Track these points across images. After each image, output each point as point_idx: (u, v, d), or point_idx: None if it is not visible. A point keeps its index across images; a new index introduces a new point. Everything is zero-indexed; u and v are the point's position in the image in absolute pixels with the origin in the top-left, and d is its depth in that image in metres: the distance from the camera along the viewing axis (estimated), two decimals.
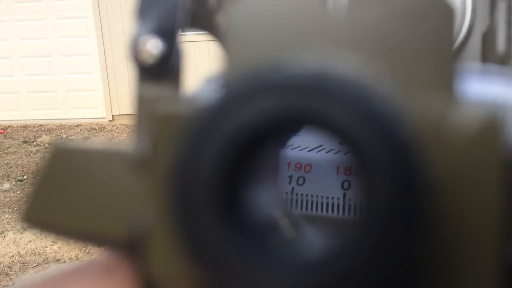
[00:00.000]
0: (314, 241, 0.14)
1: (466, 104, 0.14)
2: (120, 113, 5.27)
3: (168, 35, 0.20)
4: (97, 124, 5.40)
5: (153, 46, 0.20)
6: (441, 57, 0.15)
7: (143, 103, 0.20)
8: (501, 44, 0.26)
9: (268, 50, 0.17)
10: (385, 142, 0.12)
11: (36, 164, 4.34)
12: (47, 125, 5.44)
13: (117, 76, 5.12)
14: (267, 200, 0.15)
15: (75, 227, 0.20)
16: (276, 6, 0.17)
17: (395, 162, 0.12)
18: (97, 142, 0.20)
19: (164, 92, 0.20)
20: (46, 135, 5.13)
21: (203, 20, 0.22)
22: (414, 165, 0.12)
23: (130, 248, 0.19)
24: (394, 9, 0.15)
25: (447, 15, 0.15)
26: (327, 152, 0.21)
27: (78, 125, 5.41)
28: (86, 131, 5.23)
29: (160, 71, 0.20)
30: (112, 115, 5.33)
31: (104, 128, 5.31)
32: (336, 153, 0.21)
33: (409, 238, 0.12)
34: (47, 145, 4.88)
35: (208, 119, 0.14)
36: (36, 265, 2.73)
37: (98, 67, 5.34)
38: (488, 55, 0.29)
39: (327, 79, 0.13)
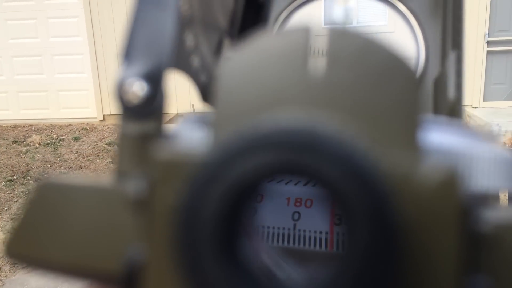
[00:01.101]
0: (301, 279, 0.15)
1: (428, 158, 0.16)
2: (112, 113, 5.25)
3: (154, 79, 0.21)
4: (88, 124, 5.37)
5: (139, 88, 0.21)
6: (407, 115, 0.17)
7: (126, 140, 0.21)
8: (451, 91, 0.29)
9: (255, 106, 0.18)
10: (367, 194, 0.14)
11: (26, 164, 4.32)
12: (37, 125, 5.41)
13: (108, 76, 5.10)
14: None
15: (63, 261, 0.20)
16: (261, 65, 0.19)
17: (375, 210, 0.14)
18: (81, 177, 0.21)
19: (148, 130, 0.21)
20: (36, 135, 5.09)
21: (179, 61, 0.23)
22: (390, 213, 0.14)
23: (123, 282, 0.19)
24: (367, 73, 0.17)
25: (411, 79, 0.17)
26: (278, 182, 0.22)
27: (68, 125, 5.38)
28: (77, 131, 5.20)
29: (145, 111, 0.21)
30: (103, 115, 5.32)
31: (95, 128, 5.28)
32: (286, 183, 0.22)
33: (385, 276, 0.14)
34: (37, 145, 4.85)
35: (213, 169, 0.15)
36: (26, 266, 2.70)
37: (89, 66, 5.31)
38: (439, 100, 0.32)
39: (316, 138, 0.15)
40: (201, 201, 0.15)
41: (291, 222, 0.21)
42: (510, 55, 5.13)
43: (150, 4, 0.22)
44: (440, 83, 0.33)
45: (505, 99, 5.20)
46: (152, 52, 0.21)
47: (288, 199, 0.21)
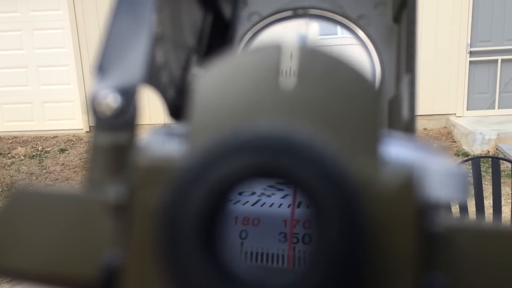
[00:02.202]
0: (277, 276, 0.17)
1: (389, 166, 0.18)
2: None
3: (127, 91, 0.22)
4: (74, 135, 5.33)
5: (113, 100, 0.22)
6: (369, 127, 0.19)
7: (99, 151, 0.22)
8: (405, 111, 0.30)
9: (231, 116, 0.20)
10: (338, 195, 0.16)
11: (11, 177, 4.26)
12: (22, 136, 5.35)
13: None
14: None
15: (40, 269, 0.21)
16: (236, 79, 0.20)
17: (345, 210, 0.16)
18: (54, 186, 0.21)
19: (120, 141, 0.22)
20: (21, 147, 5.04)
21: (149, 76, 0.24)
22: (357, 210, 0.16)
23: (101, 287, 0.19)
24: (334, 88, 0.19)
25: (373, 95, 0.19)
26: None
27: (54, 137, 5.34)
28: (62, 143, 5.16)
29: (118, 122, 0.22)
30: (90, 126, 5.28)
31: (81, 139, 5.25)
32: (235, 203, 0.23)
33: (354, 268, 0.15)
34: (22, 157, 4.80)
35: (195, 172, 0.16)
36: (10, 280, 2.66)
37: (75, 78, 5.29)
38: (394, 119, 0.34)
39: (291, 142, 0.16)
40: (183, 202, 0.16)
41: (238, 240, 0.22)
42: (492, 65, 5.22)
43: (125, 19, 0.23)
44: (394, 104, 0.35)
45: (487, 108, 5.28)
46: (125, 66, 0.22)
47: (236, 218, 0.23)
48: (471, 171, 1.83)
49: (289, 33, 0.44)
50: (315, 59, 0.20)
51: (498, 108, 5.26)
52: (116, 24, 0.23)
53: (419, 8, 0.34)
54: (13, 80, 5.38)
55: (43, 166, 4.60)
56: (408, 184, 0.17)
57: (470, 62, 5.24)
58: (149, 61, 0.23)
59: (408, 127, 0.30)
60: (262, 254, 0.22)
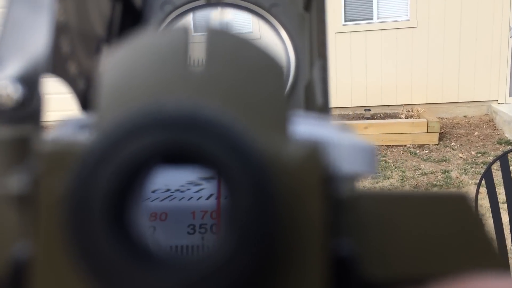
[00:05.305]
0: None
1: (295, 140, 0.19)
2: None
3: (29, 81, 0.21)
4: None
5: (13, 91, 0.21)
6: (277, 105, 0.19)
7: (1, 144, 0.21)
8: (318, 97, 0.31)
9: (138, 97, 0.19)
10: (247, 167, 0.16)
11: None
12: None
13: None
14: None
15: None
16: (142, 60, 0.20)
17: (255, 180, 0.16)
18: None
19: (24, 134, 0.21)
20: None
21: (56, 67, 0.23)
22: (267, 180, 0.16)
23: (10, 283, 0.19)
24: (241, 66, 0.20)
25: (278, 72, 0.20)
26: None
27: None
28: None
29: (20, 114, 0.21)
30: None
31: None
32: (144, 201, 0.22)
33: (266, 239, 0.16)
34: None
35: (101, 152, 0.16)
36: None
37: None
38: (309, 104, 0.35)
39: (199, 118, 0.16)
40: (90, 184, 0.16)
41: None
42: None
43: (22, 6, 0.22)
44: (309, 89, 0.37)
45: None
46: (26, 54, 0.21)
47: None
48: None
49: (201, 19, 0.45)
50: (222, 40, 0.20)
51: None
52: (13, 12, 0.22)
53: None
54: None
55: None
56: (313, 155, 0.18)
57: None
58: (53, 51, 0.22)
59: (322, 111, 0.31)
60: (171, 247, 0.22)
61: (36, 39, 0.22)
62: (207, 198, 0.24)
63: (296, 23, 0.43)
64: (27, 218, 0.19)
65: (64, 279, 0.18)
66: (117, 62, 0.20)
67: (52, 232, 0.18)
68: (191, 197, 0.24)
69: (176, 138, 0.16)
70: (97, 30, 0.32)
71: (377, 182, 3.74)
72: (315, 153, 0.18)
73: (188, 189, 0.24)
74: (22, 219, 0.19)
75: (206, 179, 0.25)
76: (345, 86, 5.76)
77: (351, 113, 5.84)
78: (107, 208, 0.16)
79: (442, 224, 0.19)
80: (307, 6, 0.42)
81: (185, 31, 0.20)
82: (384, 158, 4.32)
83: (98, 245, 0.16)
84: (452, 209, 0.20)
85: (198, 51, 0.20)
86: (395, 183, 3.73)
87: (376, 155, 0.23)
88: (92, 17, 0.32)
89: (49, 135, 0.21)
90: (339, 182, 0.19)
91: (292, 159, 0.18)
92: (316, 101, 0.31)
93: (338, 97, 5.79)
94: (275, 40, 0.43)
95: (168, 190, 0.24)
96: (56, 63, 0.23)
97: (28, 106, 0.21)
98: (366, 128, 4.64)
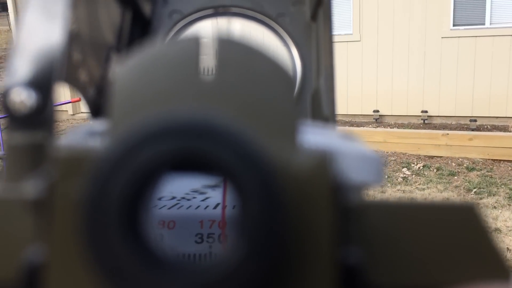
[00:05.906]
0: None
1: (305, 149, 0.19)
2: None
3: (43, 88, 0.21)
4: None
5: (27, 97, 0.21)
6: (286, 114, 0.19)
7: (16, 151, 0.21)
8: (325, 105, 0.30)
9: (151, 104, 0.20)
10: (258, 175, 0.16)
11: None
12: None
13: None
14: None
15: None
16: (155, 69, 0.20)
17: (265, 188, 0.16)
18: None
19: (37, 140, 0.20)
20: None
21: (67, 74, 0.23)
22: (276, 188, 0.16)
23: (25, 286, 0.19)
24: (251, 76, 0.20)
25: (288, 81, 0.20)
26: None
27: None
28: None
29: (34, 120, 0.21)
30: None
31: None
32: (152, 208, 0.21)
33: (276, 246, 0.16)
34: None
35: (116, 158, 0.16)
36: None
37: None
38: (316, 112, 0.34)
39: (211, 126, 0.16)
40: (105, 190, 0.16)
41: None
42: None
43: (38, 14, 0.23)
44: (315, 98, 0.36)
45: None
46: (40, 61, 0.21)
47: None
48: None
49: (210, 29, 0.46)
50: (233, 49, 0.20)
51: None
52: (28, 21, 0.23)
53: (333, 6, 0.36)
54: None
55: None
56: (323, 164, 0.18)
57: None
58: (65, 59, 0.22)
59: (329, 119, 0.30)
60: (178, 255, 0.21)
61: (50, 47, 0.22)
62: (215, 207, 0.24)
63: (302, 32, 0.44)
64: (42, 223, 0.19)
65: (77, 283, 0.18)
66: (130, 71, 0.20)
67: (66, 236, 0.18)
68: (198, 206, 0.24)
69: (188, 146, 0.16)
70: (107, 39, 0.33)
71: (480, 199, 3.48)
72: (324, 162, 0.18)
73: (194, 198, 0.24)
74: (37, 224, 0.19)
75: (211, 187, 0.25)
76: (449, 94, 5.45)
77: (454, 122, 5.51)
78: (122, 214, 0.16)
79: (450, 234, 0.19)
80: (314, 16, 0.42)
81: (196, 40, 0.20)
82: (490, 173, 4.01)
83: (113, 249, 0.16)
84: (460, 219, 0.19)
85: (208, 60, 0.20)
86: (501, 201, 3.44)
87: (383, 165, 0.24)
88: (103, 25, 0.33)
89: (62, 141, 0.21)
90: (348, 191, 0.19)
91: (302, 168, 0.18)
92: (322, 110, 0.31)
93: (441, 104, 5.49)
94: (281, 50, 0.43)
95: (173, 198, 0.24)
96: (68, 71, 0.23)
97: (42, 113, 0.21)
98: (470, 139, 4.34)
